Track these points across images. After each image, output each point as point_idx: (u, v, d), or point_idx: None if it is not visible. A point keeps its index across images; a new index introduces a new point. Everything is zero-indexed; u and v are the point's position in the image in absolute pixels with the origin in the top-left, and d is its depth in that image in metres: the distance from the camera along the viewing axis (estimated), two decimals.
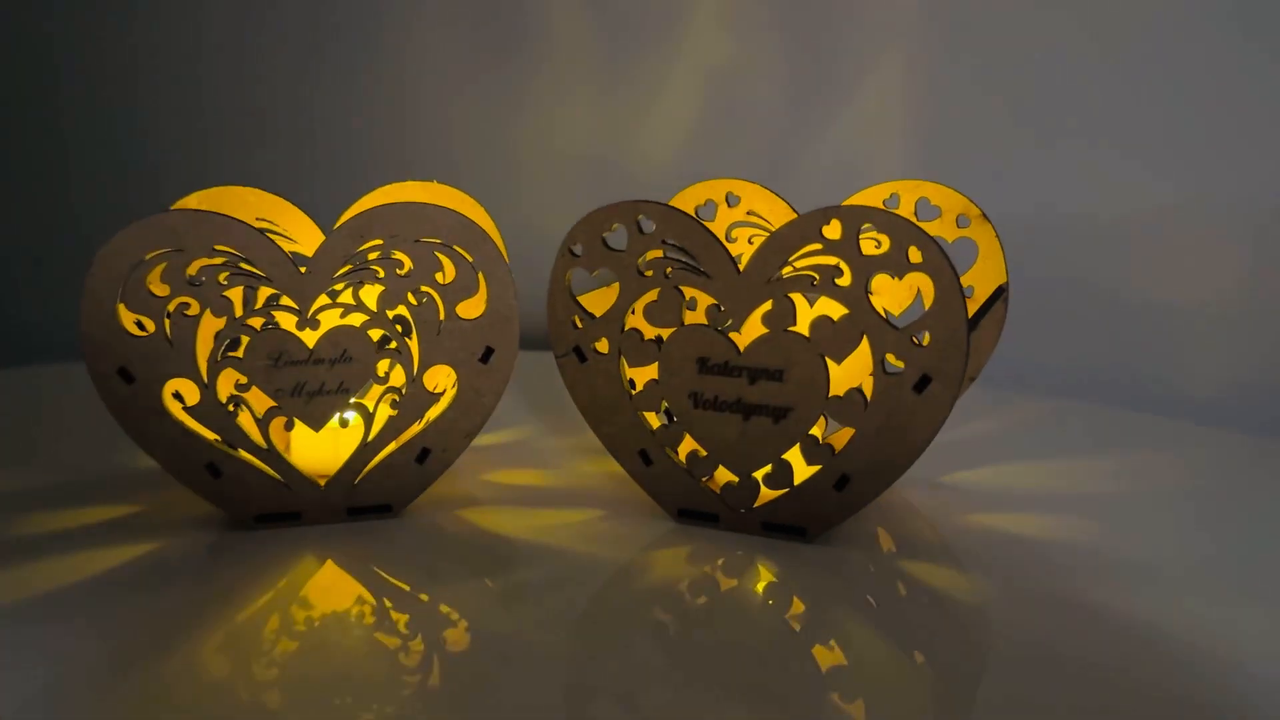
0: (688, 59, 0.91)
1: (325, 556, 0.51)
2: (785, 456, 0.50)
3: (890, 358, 0.47)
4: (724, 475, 0.52)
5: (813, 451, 0.49)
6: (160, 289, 0.49)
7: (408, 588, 0.48)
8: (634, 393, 0.53)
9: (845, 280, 0.47)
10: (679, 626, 0.44)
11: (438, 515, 0.56)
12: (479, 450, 0.66)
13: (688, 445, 0.53)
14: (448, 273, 0.52)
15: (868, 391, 0.47)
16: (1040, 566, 0.50)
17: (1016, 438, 0.70)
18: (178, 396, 0.51)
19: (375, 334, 0.52)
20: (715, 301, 0.49)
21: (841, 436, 0.50)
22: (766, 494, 0.52)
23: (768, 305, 0.48)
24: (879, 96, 0.85)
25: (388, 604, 0.46)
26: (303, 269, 0.50)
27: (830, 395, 0.48)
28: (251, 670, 0.40)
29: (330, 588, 0.48)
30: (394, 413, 0.53)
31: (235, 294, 0.50)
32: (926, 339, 0.46)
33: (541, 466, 0.63)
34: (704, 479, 0.53)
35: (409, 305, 0.52)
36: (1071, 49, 0.79)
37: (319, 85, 1.00)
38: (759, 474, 0.51)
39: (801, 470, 0.50)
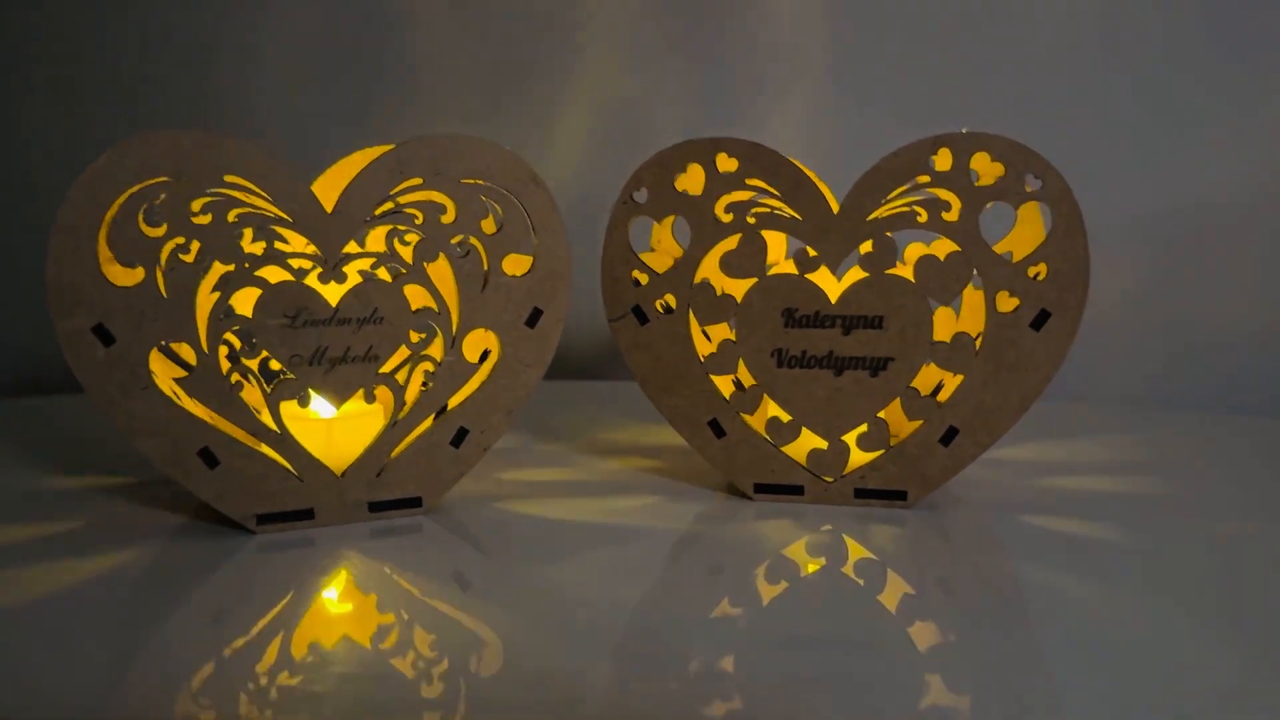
0: (582, 88, 0.87)
1: (341, 563, 0.41)
2: (880, 414, 0.46)
3: (1003, 295, 0.44)
4: (809, 441, 0.47)
5: (914, 405, 0.46)
6: (153, 227, 0.40)
7: (445, 607, 0.38)
8: (705, 355, 0.47)
9: (953, 214, 0.44)
10: (768, 611, 0.38)
11: (472, 509, 0.48)
12: None
13: (765, 411, 0.47)
14: (493, 220, 0.45)
15: (975, 332, 0.45)
16: (1138, 512, 0.48)
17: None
18: (173, 357, 0.41)
19: (412, 292, 0.44)
20: (804, 245, 0.45)
21: (944, 386, 0.46)
22: (857, 458, 0.47)
23: (866, 246, 0.45)
24: (782, 127, 0.85)
25: (421, 627, 0.36)
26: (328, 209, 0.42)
27: (935, 341, 0.45)
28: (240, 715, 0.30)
29: (348, 603, 0.39)
30: (427, 386, 0.45)
31: (246, 236, 0.41)
32: (1044, 271, 0.43)
33: (557, 466, 0.56)
34: (784, 447, 0.48)
35: (450, 257, 0.44)
36: (976, 81, 0.81)
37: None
38: (850, 436, 0.47)
39: (899, 427, 0.46)
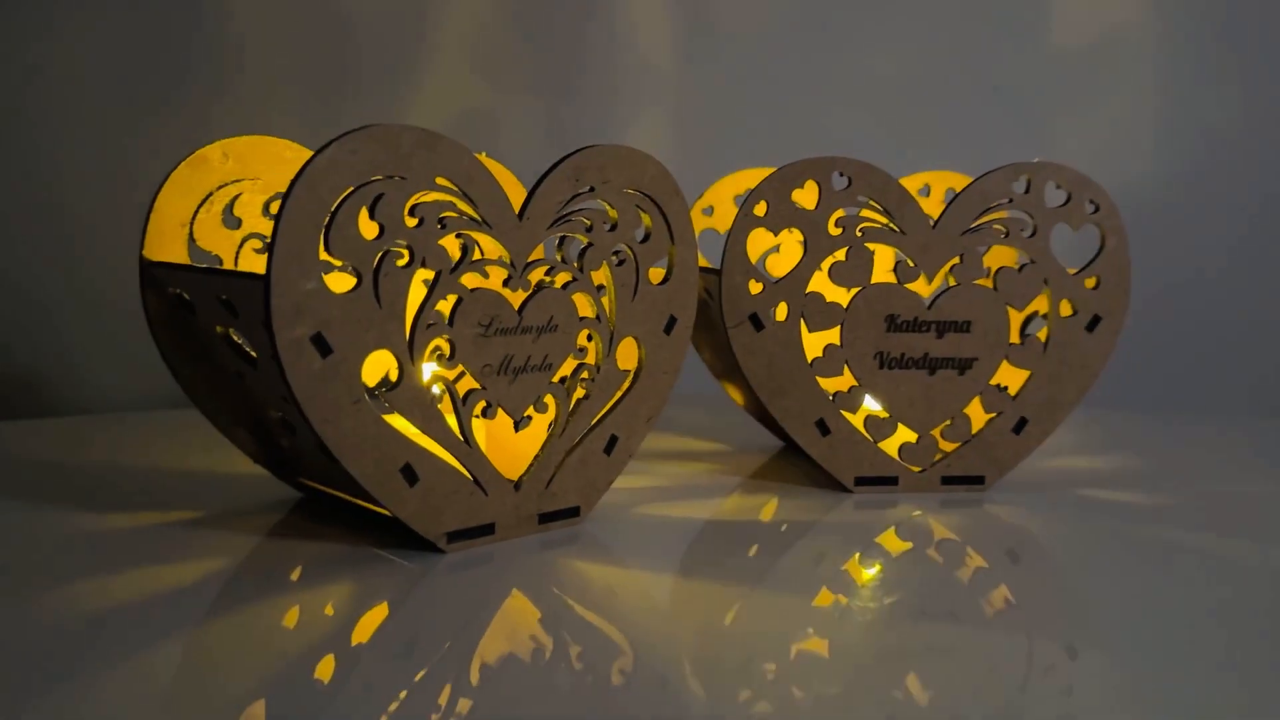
0: (432, 104, 0.85)
1: (524, 584, 0.40)
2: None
3: (1064, 303, 0.52)
4: (901, 435, 0.52)
5: (992, 399, 0.52)
6: (368, 228, 0.37)
7: (623, 630, 0.40)
8: (814, 358, 0.51)
9: (1029, 232, 0.51)
10: (883, 601, 0.43)
11: (614, 518, 0.48)
12: None
13: (863, 409, 0.52)
14: (644, 230, 0.46)
15: (1042, 335, 0.52)
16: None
17: None
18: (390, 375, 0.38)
19: (577, 300, 0.44)
20: (906, 258, 0.50)
21: (1011, 382, 0.53)
22: (940, 448, 0.53)
23: (956, 259, 0.51)
24: (638, 135, 0.87)
25: (609, 648, 0.38)
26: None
27: (1011, 342, 0.52)
28: None
29: (516, 626, 0.37)
30: (582, 393, 0.45)
31: (448, 241, 0.39)
32: (1096, 282, 0.52)
33: (630, 473, 0.56)
34: (880, 442, 0.52)
35: (610, 264, 0.45)
36: (833, 96, 0.90)
37: None
38: (936, 430, 0.52)
39: (977, 420, 0.53)
